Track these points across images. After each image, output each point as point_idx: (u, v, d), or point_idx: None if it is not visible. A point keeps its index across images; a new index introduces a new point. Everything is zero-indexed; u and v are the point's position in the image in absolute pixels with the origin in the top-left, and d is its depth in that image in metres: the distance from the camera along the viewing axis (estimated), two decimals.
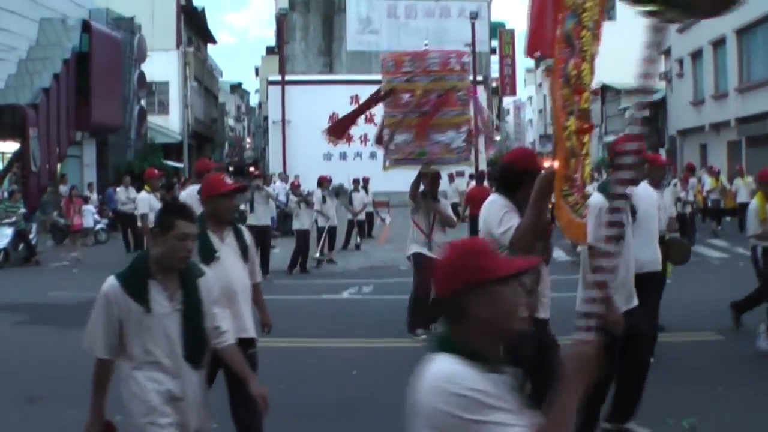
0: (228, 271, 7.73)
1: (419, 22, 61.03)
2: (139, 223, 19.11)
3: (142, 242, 19.27)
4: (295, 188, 26.81)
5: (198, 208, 16.48)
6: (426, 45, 18.61)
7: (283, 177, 40.12)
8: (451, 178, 37.57)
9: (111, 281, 5.96)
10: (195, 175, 19.20)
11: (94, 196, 39.65)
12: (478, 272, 3.49)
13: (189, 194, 17.57)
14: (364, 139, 53.28)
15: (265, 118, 69.72)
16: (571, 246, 26.47)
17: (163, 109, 62.43)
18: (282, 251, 27.50)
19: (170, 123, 61.24)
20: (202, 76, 72.99)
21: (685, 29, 54.92)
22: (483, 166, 41.47)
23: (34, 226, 30.46)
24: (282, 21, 57.77)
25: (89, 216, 33.07)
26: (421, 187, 15.58)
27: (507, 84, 68.64)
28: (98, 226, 34.74)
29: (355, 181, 33.15)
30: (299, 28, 61.18)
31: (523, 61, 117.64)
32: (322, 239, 26.69)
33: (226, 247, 7.89)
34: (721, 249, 28.58)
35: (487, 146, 25.86)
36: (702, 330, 14.50)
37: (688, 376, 11.47)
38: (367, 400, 10.92)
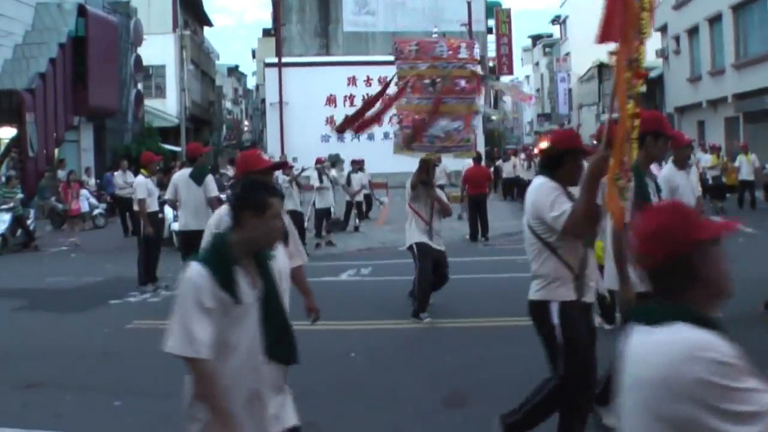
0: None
1: (415, 2, 61.00)
2: (136, 207, 18.98)
3: (140, 227, 19.16)
4: (287, 169, 26.65)
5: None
6: (435, 32, 18.44)
7: (283, 159, 40.05)
8: (438, 159, 37.26)
9: (198, 269, 5.19)
10: (188, 160, 19.08)
11: (92, 181, 39.62)
12: (699, 232, 3.42)
13: (180, 176, 17.55)
14: None
15: (263, 101, 69.80)
16: None
17: (160, 92, 62.32)
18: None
19: (167, 106, 61.13)
20: (199, 60, 72.86)
21: (681, 6, 54.96)
22: (480, 148, 41.27)
23: (32, 212, 30.41)
24: (278, 3, 57.70)
25: (86, 201, 33.06)
26: None
27: (504, 63, 68.68)
28: (96, 211, 34.75)
29: (354, 162, 33.02)
30: (296, 10, 61.09)
31: (519, 41, 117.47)
32: (326, 220, 26.70)
33: None
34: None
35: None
36: None
37: None
38: (365, 382, 10.91)
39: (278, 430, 5.71)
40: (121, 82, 49.56)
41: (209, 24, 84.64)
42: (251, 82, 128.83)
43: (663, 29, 61.03)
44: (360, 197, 32.75)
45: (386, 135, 42.84)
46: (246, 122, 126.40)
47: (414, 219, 15.32)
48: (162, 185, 26.81)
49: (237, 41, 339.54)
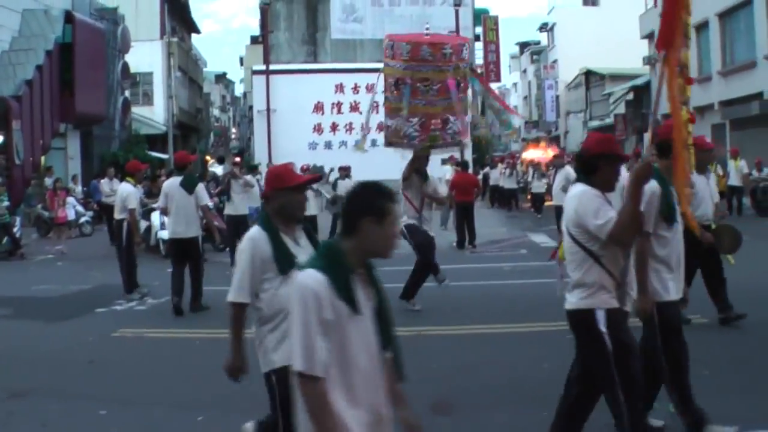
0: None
1: (403, 9, 60.95)
2: (120, 216, 18.87)
3: (122, 235, 19.03)
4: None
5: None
6: (427, 30, 18.51)
7: (318, 173, 40.02)
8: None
9: (314, 275, 4.76)
10: (176, 168, 19.04)
11: (79, 188, 39.56)
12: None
13: (171, 185, 17.56)
14: (349, 127, 53.28)
15: (250, 108, 69.78)
16: (557, 232, 26.55)
17: (148, 99, 62.31)
18: None
19: (155, 114, 61.13)
20: (187, 67, 72.87)
21: None
22: (468, 154, 41.18)
23: (18, 219, 30.30)
24: (266, 10, 57.64)
25: (72, 209, 32.99)
26: None
27: (491, 71, 68.63)
28: (83, 219, 34.66)
29: (342, 169, 32.88)
30: (283, 17, 61.03)
31: (507, 48, 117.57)
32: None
33: (302, 252, 6.76)
34: None
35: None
36: (688, 313, 14.48)
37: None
38: None
39: None
40: (109, 89, 49.53)
41: (197, 31, 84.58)
42: (239, 90, 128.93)
43: (650, 36, 61.21)
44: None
45: (374, 143, 42.61)
46: (234, 129, 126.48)
47: (406, 206, 15.71)
48: (150, 194, 26.81)
49: (225, 48, 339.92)
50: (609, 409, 7.48)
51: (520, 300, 17.19)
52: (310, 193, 25.89)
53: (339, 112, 54.86)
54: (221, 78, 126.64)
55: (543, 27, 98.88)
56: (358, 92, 54.10)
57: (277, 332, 6.80)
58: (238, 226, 22.46)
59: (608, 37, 78.29)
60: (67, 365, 12.69)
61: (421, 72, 15.47)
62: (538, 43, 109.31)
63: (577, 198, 7.28)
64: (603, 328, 7.13)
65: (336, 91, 55.48)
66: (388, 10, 61.19)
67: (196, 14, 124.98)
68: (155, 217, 25.76)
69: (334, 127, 55.10)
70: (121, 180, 20.45)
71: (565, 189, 25.07)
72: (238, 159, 26.05)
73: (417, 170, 16.06)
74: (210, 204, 18.08)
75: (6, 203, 28.94)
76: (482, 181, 43.74)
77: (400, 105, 15.78)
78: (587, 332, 7.32)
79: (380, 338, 5.05)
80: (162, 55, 61.04)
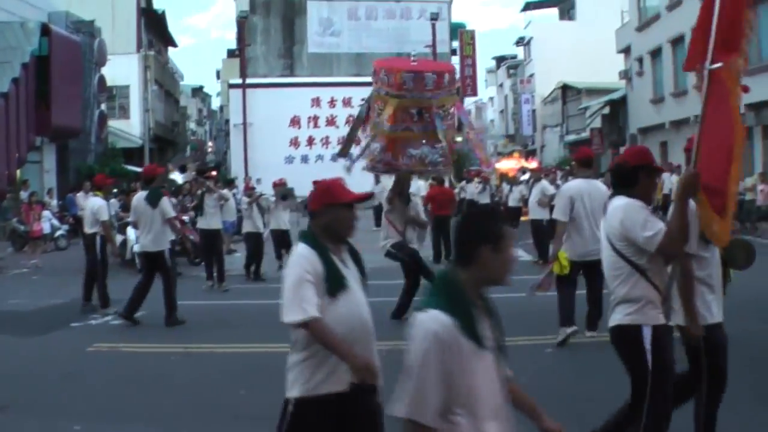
0: (360, 305, 6.31)
1: (380, 23, 61.15)
2: (91, 230, 18.80)
3: (95, 249, 18.96)
4: (248, 189, 26.25)
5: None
6: (413, 60, 18.51)
7: (248, 181, 39.78)
8: (377, 178, 36.12)
9: (440, 318, 4.38)
10: (143, 182, 18.97)
11: (54, 202, 39.39)
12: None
13: (137, 199, 17.59)
14: (326, 141, 53.33)
15: (227, 121, 69.75)
16: (532, 246, 26.58)
17: (124, 113, 62.11)
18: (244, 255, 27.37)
19: (131, 127, 60.96)
20: (163, 80, 72.69)
21: (644, 28, 55.46)
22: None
23: None
24: (243, 24, 57.72)
25: (48, 222, 32.87)
26: None
27: (468, 85, 68.70)
28: (58, 233, 34.52)
29: (315, 183, 32.63)
30: (260, 31, 61.10)
31: (483, 62, 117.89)
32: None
33: (350, 272, 6.36)
34: None
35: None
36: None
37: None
38: None
39: None
40: (85, 103, 49.30)
41: (173, 44, 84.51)
42: (215, 103, 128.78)
43: (626, 51, 61.57)
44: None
45: (350, 157, 42.39)
46: (210, 143, 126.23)
47: (388, 229, 15.78)
48: (126, 207, 26.72)
49: (201, 62, 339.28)
50: (629, 420, 7.47)
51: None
52: (280, 207, 25.86)
53: (315, 126, 55.01)
54: (198, 91, 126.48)
55: (519, 41, 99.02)
56: (334, 106, 54.26)
57: (317, 358, 6.09)
58: (212, 240, 22.45)
59: (585, 51, 78.47)
60: (42, 380, 12.63)
61: (409, 99, 15.51)
62: (515, 57, 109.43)
63: (621, 211, 7.16)
64: (647, 345, 7.05)
65: (313, 105, 55.63)
66: (365, 24, 61.35)
67: (172, 27, 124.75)
68: (131, 231, 25.70)
69: (310, 141, 55.23)
70: None
71: (541, 203, 25.10)
72: (214, 173, 25.92)
73: (400, 193, 16.20)
74: (185, 217, 18.02)
75: None
76: (459, 196, 43.58)
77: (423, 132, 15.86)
78: (630, 348, 7.23)
79: (500, 363, 4.75)
80: (138, 68, 60.93)
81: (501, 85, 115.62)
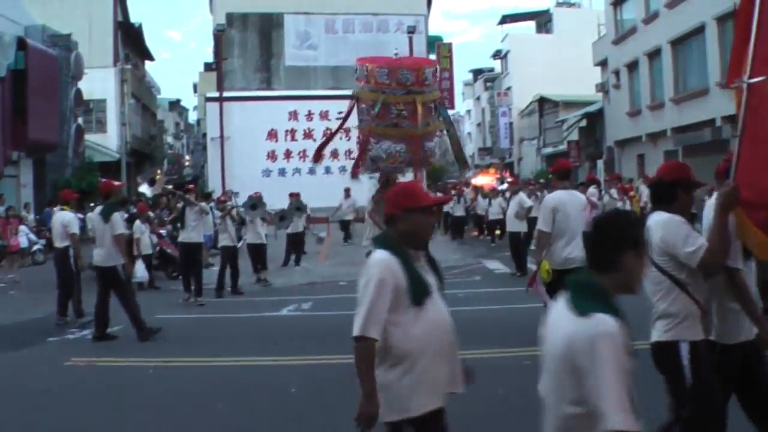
0: (443, 313, 6.02)
1: (357, 36, 61.10)
2: (64, 243, 18.79)
3: (68, 263, 18.95)
4: (220, 203, 25.98)
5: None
6: (396, 54, 18.50)
7: (230, 194, 39.62)
8: (347, 193, 36.09)
9: (612, 322, 4.31)
10: (100, 197, 18.93)
11: (31, 217, 39.26)
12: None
13: (94, 214, 17.65)
14: (303, 155, 53.22)
15: (204, 135, 69.53)
16: (510, 258, 26.66)
17: (101, 126, 61.94)
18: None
19: (108, 141, 60.81)
20: (140, 94, 72.58)
21: (621, 41, 55.73)
22: (423, 181, 41.18)
23: None
24: (220, 37, 57.57)
25: (25, 237, 32.77)
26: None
27: (445, 98, 68.75)
28: (35, 247, 34.39)
29: (292, 195, 32.35)
30: (237, 44, 61.00)
31: (460, 75, 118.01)
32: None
33: (430, 280, 6.07)
34: None
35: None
36: (643, 339, 14.51)
37: (652, 382, 11.50)
38: (306, 418, 10.84)
39: None
40: (62, 116, 49.18)
41: (150, 58, 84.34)
42: (193, 117, 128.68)
43: (603, 63, 61.80)
44: (300, 227, 31.92)
45: (327, 170, 42.56)
46: (187, 157, 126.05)
47: (371, 229, 15.62)
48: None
49: (179, 75, 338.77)
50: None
51: (475, 326, 17.21)
52: (258, 221, 25.79)
53: (293, 139, 54.89)
54: (175, 105, 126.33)
55: (497, 54, 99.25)
56: (312, 119, 54.23)
57: (413, 375, 5.75)
58: (193, 253, 22.35)
59: (562, 64, 78.79)
60: (19, 395, 12.57)
61: (395, 96, 15.36)
62: (492, 70, 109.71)
63: (662, 226, 7.11)
64: (685, 362, 7.02)
65: (290, 119, 55.52)
66: (342, 37, 61.36)
67: (149, 41, 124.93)
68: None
69: (288, 154, 55.08)
70: (77, 208, 20.25)
71: (518, 215, 25.22)
72: (191, 186, 25.80)
73: (382, 195, 15.89)
74: (126, 232, 17.90)
75: None
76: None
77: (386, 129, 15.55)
78: (668, 365, 7.21)
79: None
80: (115, 82, 60.88)
81: (478, 98, 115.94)
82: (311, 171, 46.73)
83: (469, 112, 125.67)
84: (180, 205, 23.47)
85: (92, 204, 27.28)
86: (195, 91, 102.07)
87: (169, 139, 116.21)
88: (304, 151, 53.43)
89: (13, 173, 43.87)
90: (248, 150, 53.56)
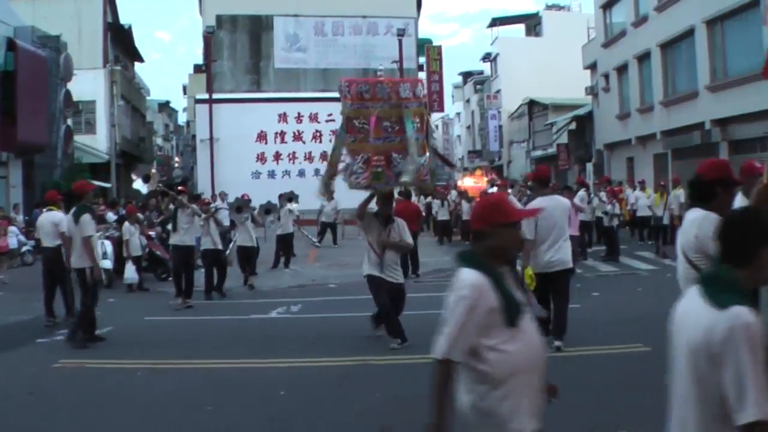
0: (534, 331, 5.61)
1: (346, 39, 61.27)
2: (57, 242, 18.75)
3: (60, 264, 18.90)
4: (203, 205, 25.50)
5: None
6: (380, 73, 18.44)
7: (223, 195, 39.53)
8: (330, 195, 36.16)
9: (748, 313, 4.22)
10: (74, 199, 18.87)
11: (20, 218, 39.17)
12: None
13: (69, 215, 17.58)
14: (293, 157, 53.29)
15: (194, 137, 69.56)
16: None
17: (90, 128, 61.75)
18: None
19: (97, 142, 60.67)
20: (130, 95, 72.40)
21: (611, 44, 55.81)
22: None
23: None
24: (209, 39, 57.58)
25: (14, 238, 32.70)
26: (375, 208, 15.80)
27: (435, 100, 68.86)
28: (24, 248, 34.31)
29: (281, 196, 32.34)
30: (227, 46, 61.08)
31: (450, 78, 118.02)
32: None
33: (520, 297, 5.69)
34: (649, 261, 28.84)
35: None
36: (630, 342, 14.58)
37: (616, 389, 11.53)
38: (295, 420, 10.85)
39: None
40: (51, 118, 49.06)
41: (140, 59, 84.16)
42: (182, 118, 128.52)
43: (592, 67, 61.87)
44: (290, 228, 31.78)
45: (317, 172, 42.66)
46: (177, 158, 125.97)
47: (369, 253, 15.31)
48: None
49: (168, 76, 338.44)
50: None
51: None
52: (249, 223, 25.67)
53: (282, 141, 55.04)
54: (164, 106, 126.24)
55: (486, 57, 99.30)
56: (301, 121, 54.34)
57: (512, 399, 5.38)
58: (185, 256, 22.19)
59: (551, 67, 78.89)
60: (8, 397, 12.54)
61: (367, 110, 15.07)
62: (482, 73, 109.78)
63: (697, 224, 7.11)
64: None
65: (279, 121, 55.66)
66: (331, 39, 61.52)
67: (139, 42, 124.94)
68: (97, 246, 25.62)
69: (277, 157, 55.23)
70: (67, 209, 20.15)
71: None
72: (181, 188, 25.67)
73: (375, 214, 15.57)
74: (94, 235, 17.79)
75: None
76: (426, 211, 43.42)
77: (362, 144, 14.96)
78: None
79: None
80: (105, 83, 60.75)
81: (468, 101, 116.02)
82: (301, 173, 46.84)
83: (458, 114, 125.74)
84: (172, 206, 23.35)
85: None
86: (184, 92, 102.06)
87: (159, 141, 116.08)
88: (294, 153, 53.61)
89: (2, 174, 43.75)
90: (238, 152, 53.68)
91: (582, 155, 64.24)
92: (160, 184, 29.55)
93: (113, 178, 55.89)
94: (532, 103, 77.82)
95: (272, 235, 31.31)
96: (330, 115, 48.74)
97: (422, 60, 68.23)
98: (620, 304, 20.03)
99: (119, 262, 26.44)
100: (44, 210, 22.21)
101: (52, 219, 19.09)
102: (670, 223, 31.45)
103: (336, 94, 16.37)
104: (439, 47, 69.68)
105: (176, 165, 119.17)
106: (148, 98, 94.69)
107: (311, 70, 60.49)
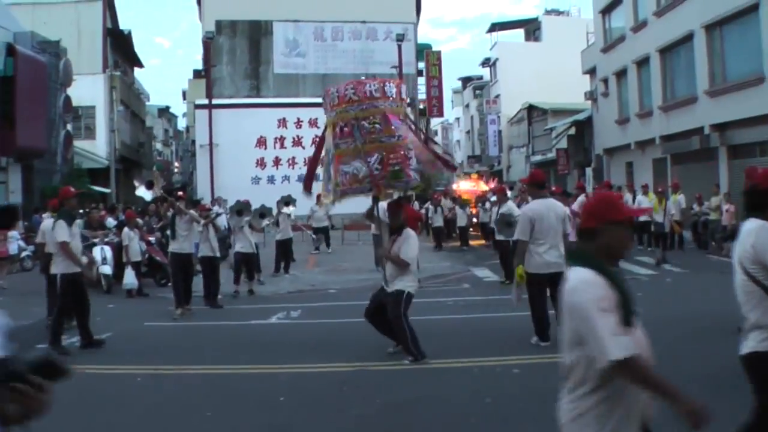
0: (643, 335, 5.38)
1: (346, 44, 61.32)
2: (54, 249, 18.69)
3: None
4: (203, 210, 25.23)
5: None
6: (365, 75, 18.39)
7: (220, 201, 39.43)
8: (318, 198, 35.67)
9: None
10: (58, 204, 18.81)
11: (20, 223, 39.17)
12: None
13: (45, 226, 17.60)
14: (292, 162, 53.28)
15: (193, 142, 69.57)
16: (499, 266, 26.64)
17: (90, 133, 61.84)
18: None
19: (97, 147, 60.75)
20: (129, 100, 72.45)
21: (610, 49, 55.84)
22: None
23: None
24: (209, 44, 57.59)
25: (14, 243, 32.69)
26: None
27: (434, 105, 68.94)
28: (24, 254, 34.30)
29: (279, 201, 32.23)
30: (226, 51, 61.10)
31: (449, 83, 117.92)
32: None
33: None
34: (649, 266, 28.79)
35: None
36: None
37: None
38: (295, 425, 10.83)
39: None
40: (50, 123, 49.12)
41: (139, 65, 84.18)
42: (182, 124, 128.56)
43: (592, 72, 61.88)
44: (289, 234, 31.72)
45: (316, 177, 42.29)
46: (176, 163, 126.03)
47: (389, 267, 14.84)
48: (90, 226, 26.63)
49: (168, 82, 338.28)
50: None
51: (464, 334, 17.25)
52: (247, 229, 25.59)
53: (282, 146, 55.03)
54: (164, 112, 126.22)
55: (485, 62, 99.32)
56: (301, 127, 54.35)
57: (609, 402, 5.06)
58: (184, 264, 21.99)
59: (550, 72, 78.92)
60: None
61: (357, 112, 14.68)
62: (481, 78, 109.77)
63: (754, 234, 6.81)
64: None
65: (279, 126, 55.65)
66: (331, 44, 61.56)
67: (138, 47, 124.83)
68: (96, 252, 25.62)
69: (276, 162, 55.22)
70: None
71: (504, 225, 25.20)
72: (180, 193, 25.57)
73: (390, 223, 15.15)
74: (70, 240, 17.68)
75: None
76: (425, 217, 43.38)
77: (355, 146, 14.42)
78: (762, 377, 6.77)
79: None
80: (104, 88, 60.83)
81: (467, 106, 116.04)
82: (300, 178, 46.68)
83: (458, 119, 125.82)
84: (170, 213, 23.22)
85: (80, 210, 27.27)
86: (184, 98, 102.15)
87: (158, 146, 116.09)
88: (293, 158, 53.57)
89: (2, 179, 43.78)
90: (237, 157, 53.67)
91: (581, 160, 64.29)
92: (161, 190, 29.42)
93: (113, 183, 55.90)
94: (531, 108, 77.87)
95: (272, 240, 31.30)
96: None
97: (421, 65, 68.28)
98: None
99: (119, 267, 26.43)
100: (45, 215, 22.23)
101: (56, 227, 19.09)
102: (670, 229, 31.48)
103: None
104: (439, 52, 69.76)
105: (176, 170, 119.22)
106: (147, 103, 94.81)
107: (310, 75, 60.51)
